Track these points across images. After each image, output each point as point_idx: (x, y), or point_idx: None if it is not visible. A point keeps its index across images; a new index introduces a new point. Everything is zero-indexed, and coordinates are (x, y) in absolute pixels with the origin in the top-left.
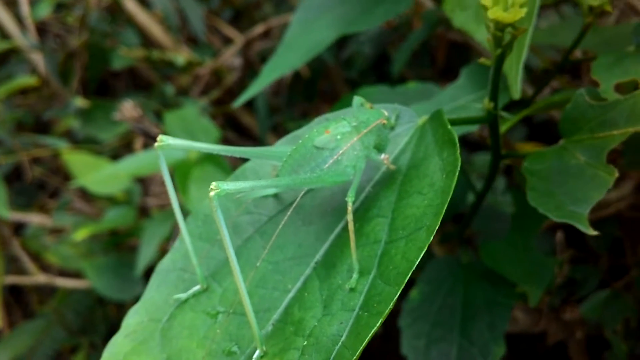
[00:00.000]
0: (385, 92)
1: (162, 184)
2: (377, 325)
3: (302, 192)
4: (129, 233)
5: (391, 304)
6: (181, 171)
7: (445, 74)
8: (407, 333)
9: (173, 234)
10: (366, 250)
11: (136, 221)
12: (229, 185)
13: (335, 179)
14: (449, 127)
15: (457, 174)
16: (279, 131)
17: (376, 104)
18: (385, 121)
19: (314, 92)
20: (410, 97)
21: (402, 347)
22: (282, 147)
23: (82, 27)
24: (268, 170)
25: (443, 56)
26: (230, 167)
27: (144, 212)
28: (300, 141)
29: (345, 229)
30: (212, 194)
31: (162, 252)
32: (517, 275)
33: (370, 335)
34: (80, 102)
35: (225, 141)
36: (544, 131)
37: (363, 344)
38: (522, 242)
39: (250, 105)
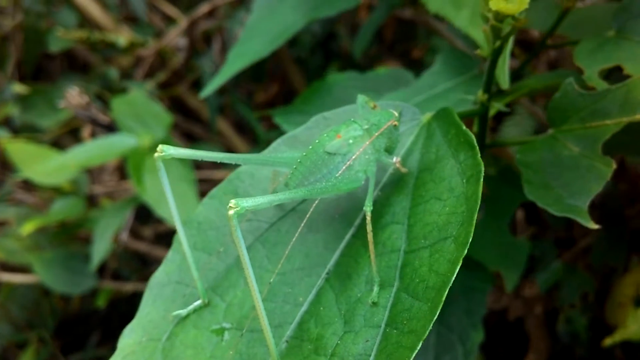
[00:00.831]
0: (355, 78)
1: (111, 173)
2: (416, 346)
3: (316, 202)
4: (78, 224)
5: (428, 323)
6: (134, 160)
7: (391, 51)
8: None
9: (126, 224)
10: (384, 260)
11: (85, 212)
12: (249, 202)
13: (349, 186)
14: (464, 127)
15: (481, 179)
16: (227, 113)
17: (348, 90)
18: (396, 122)
19: (263, 71)
20: (382, 83)
21: None
22: (289, 153)
23: (15, 8)
24: (265, 173)
25: (391, 34)
26: None
27: (91, 201)
28: (310, 147)
29: (356, 236)
30: (231, 212)
31: (115, 242)
32: (492, 259)
33: (412, 357)
34: (18, 87)
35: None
36: None
37: None
38: (495, 226)
39: (196, 86)
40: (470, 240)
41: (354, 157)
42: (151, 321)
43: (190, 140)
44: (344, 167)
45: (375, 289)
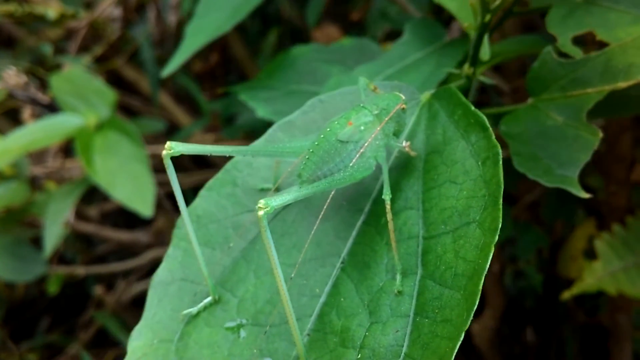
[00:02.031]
0: (319, 50)
1: (55, 154)
2: (455, 336)
3: (332, 193)
4: (24, 209)
5: (465, 312)
6: (83, 141)
7: (328, 14)
8: None
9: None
10: (402, 247)
11: (29, 196)
12: (277, 201)
13: (363, 174)
14: (473, 108)
15: (499, 161)
16: (168, 84)
17: (313, 63)
18: (404, 106)
19: None
20: (348, 55)
21: None
22: (298, 142)
23: None
24: (263, 161)
25: None
26: (136, 131)
27: (33, 183)
28: (321, 136)
29: (367, 223)
30: (261, 213)
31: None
32: None
33: (454, 348)
34: None
35: None
36: None
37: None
38: None
39: (133, 57)
40: (500, 226)
41: (366, 144)
42: (159, 322)
43: (129, 114)
44: (357, 155)
45: (398, 277)
